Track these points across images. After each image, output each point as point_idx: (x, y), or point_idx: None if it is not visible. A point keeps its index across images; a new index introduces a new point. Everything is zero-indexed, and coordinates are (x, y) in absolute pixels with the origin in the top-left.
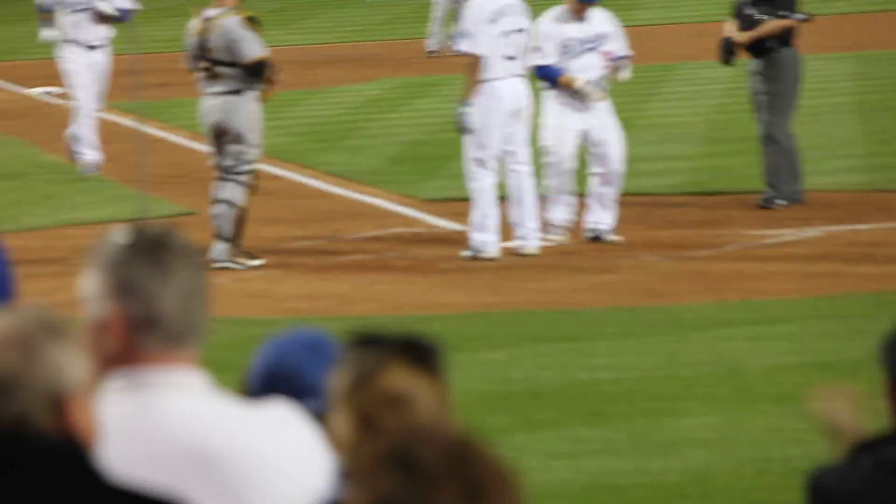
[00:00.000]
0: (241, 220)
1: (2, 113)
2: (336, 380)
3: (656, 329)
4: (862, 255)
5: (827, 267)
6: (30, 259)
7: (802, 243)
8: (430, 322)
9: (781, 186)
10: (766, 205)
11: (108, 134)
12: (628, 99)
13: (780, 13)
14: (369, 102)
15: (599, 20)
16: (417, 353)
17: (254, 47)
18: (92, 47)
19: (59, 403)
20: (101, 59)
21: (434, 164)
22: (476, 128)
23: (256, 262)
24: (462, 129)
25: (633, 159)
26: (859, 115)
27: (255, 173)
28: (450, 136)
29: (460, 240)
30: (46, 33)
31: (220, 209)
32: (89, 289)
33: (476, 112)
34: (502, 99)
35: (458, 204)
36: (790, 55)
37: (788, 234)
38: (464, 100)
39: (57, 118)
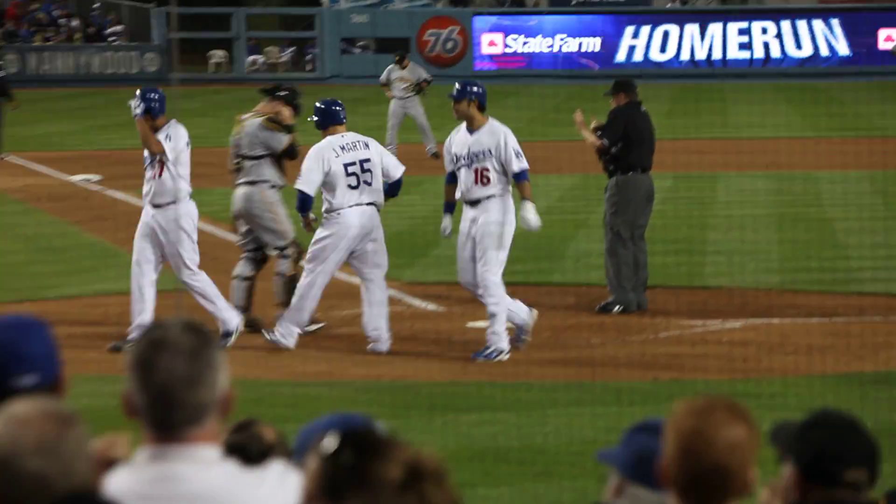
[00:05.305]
0: (291, 287)
1: (49, 196)
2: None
3: (600, 401)
4: (774, 345)
5: (745, 353)
6: (67, 322)
7: (724, 332)
8: (412, 389)
9: (619, 295)
10: (603, 310)
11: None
12: (583, 203)
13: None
14: None
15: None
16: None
17: (279, 138)
18: None
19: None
20: None
21: (416, 251)
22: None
23: (318, 326)
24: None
25: (587, 254)
26: (776, 225)
27: (296, 245)
28: (430, 229)
29: (436, 317)
30: None
31: (275, 283)
32: None
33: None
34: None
35: (436, 287)
36: (627, 180)
37: (713, 324)
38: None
39: (94, 201)
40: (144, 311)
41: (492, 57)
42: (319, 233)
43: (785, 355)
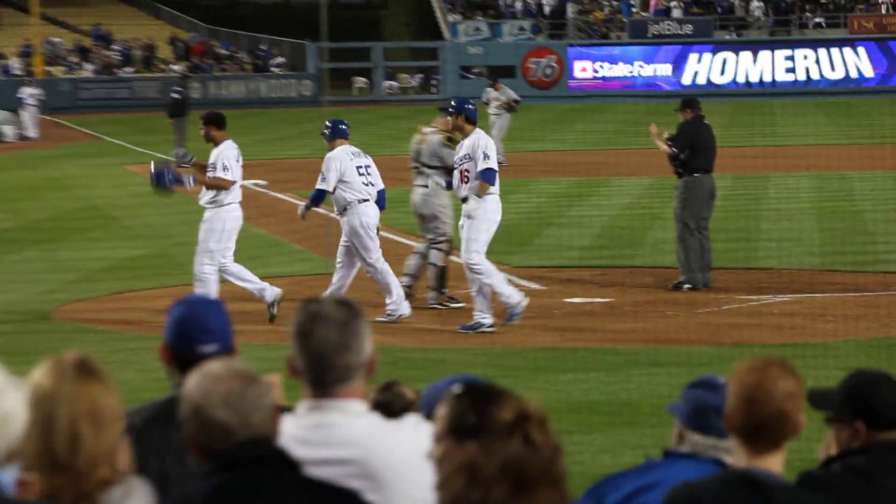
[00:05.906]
0: (442, 274)
1: None
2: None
3: (674, 363)
4: (816, 315)
5: (792, 322)
6: (238, 300)
7: (776, 305)
8: (519, 353)
9: (688, 275)
10: (675, 288)
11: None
12: (658, 200)
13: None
14: None
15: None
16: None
17: (454, 155)
18: None
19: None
20: None
21: (522, 240)
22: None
23: (458, 305)
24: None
25: (662, 241)
26: (816, 217)
27: (449, 242)
28: (534, 221)
29: (538, 294)
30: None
31: (429, 270)
32: None
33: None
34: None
35: (538, 269)
36: (694, 180)
37: (766, 298)
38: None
39: (261, 201)
40: (253, 286)
41: (583, 80)
42: (354, 225)
43: (825, 324)
